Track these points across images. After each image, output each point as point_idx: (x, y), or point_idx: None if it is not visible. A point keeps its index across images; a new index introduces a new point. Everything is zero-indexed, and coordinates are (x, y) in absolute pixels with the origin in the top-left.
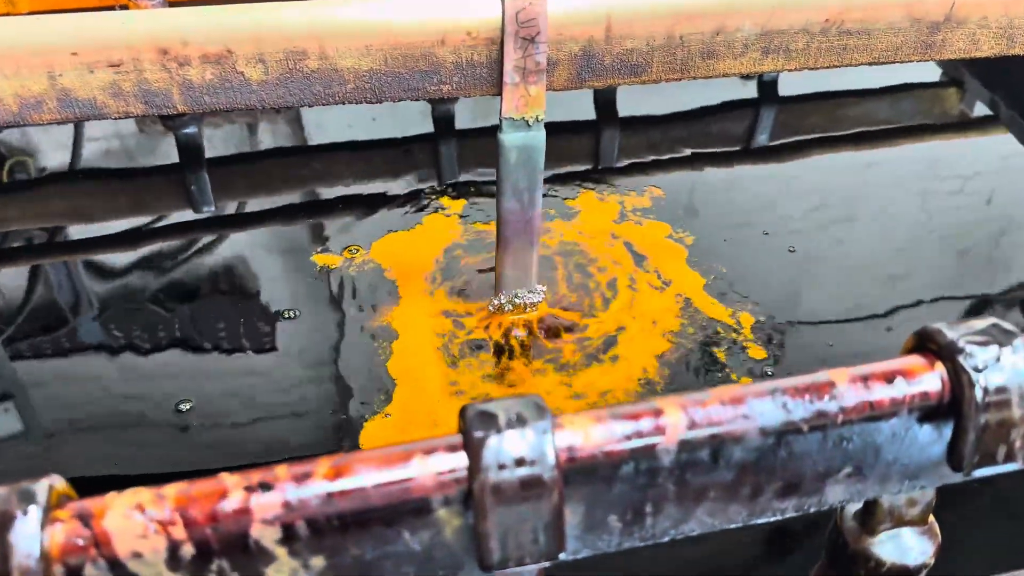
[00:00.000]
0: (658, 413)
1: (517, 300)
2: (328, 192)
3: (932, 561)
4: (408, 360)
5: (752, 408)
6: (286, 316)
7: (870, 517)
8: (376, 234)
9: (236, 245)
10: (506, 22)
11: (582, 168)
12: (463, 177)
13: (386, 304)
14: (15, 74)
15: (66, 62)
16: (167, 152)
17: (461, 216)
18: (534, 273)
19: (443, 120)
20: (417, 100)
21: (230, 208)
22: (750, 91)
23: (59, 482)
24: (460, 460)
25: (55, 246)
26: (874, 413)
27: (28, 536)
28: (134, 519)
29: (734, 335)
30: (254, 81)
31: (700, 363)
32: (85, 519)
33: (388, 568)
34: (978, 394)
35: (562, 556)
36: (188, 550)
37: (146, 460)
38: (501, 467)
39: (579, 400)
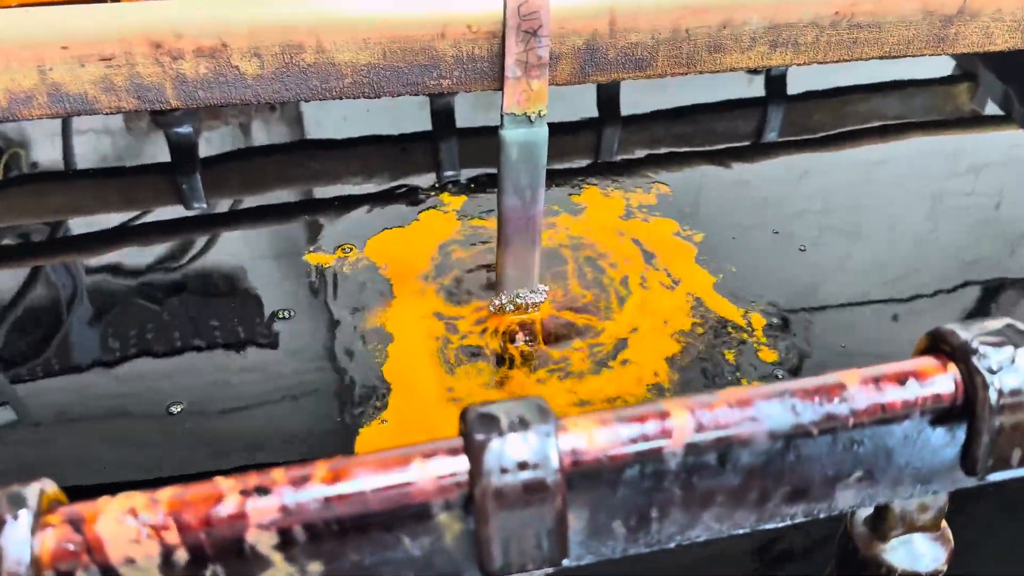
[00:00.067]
0: (664, 415)
1: (519, 300)
2: (324, 190)
3: (945, 568)
4: (404, 364)
5: (760, 410)
6: (280, 317)
7: (881, 522)
8: (371, 232)
9: (229, 244)
10: (508, 15)
11: (585, 164)
12: (463, 175)
13: (382, 305)
14: (4, 68)
15: (56, 56)
16: (159, 150)
17: (459, 212)
18: (536, 272)
19: (442, 116)
20: (416, 95)
21: (223, 206)
22: (757, 86)
23: (50, 486)
24: (461, 464)
25: (45, 245)
26: (886, 416)
27: (18, 542)
28: (127, 524)
29: (745, 335)
30: (249, 75)
31: (711, 367)
32: (76, 524)
33: (387, 574)
34: (992, 396)
35: (565, 562)
36: (182, 555)
37: (137, 463)
38: (503, 471)
39: (584, 407)
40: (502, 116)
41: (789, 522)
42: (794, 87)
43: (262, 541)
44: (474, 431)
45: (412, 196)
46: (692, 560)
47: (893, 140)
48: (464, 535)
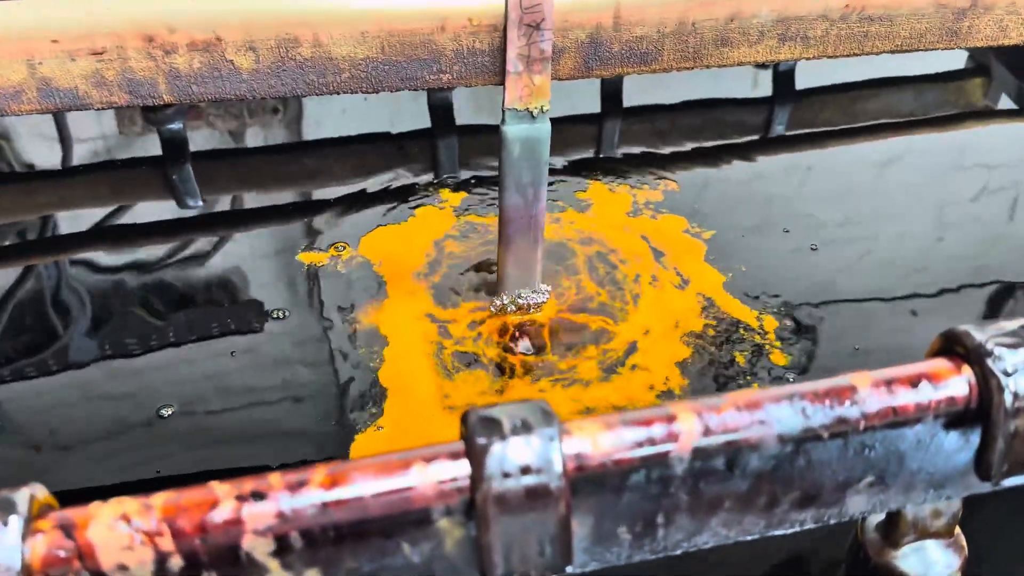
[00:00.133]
0: (671, 419)
1: (520, 301)
2: (318, 188)
3: (959, 575)
4: (401, 369)
5: (769, 414)
6: (274, 317)
7: (893, 529)
8: (367, 231)
9: (220, 242)
10: (509, 8)
11: (590, 160)
12: (463, 172)
13: (377, 306)
14: None
15: (46, 49)
16: (151, 147)
17: (458, 210)
18: (538, 272)
19: (441, 112)
20: (415, 90)
21: (216, 205)
22: (765, 81)
23: (40, 491)
24: (462, 468)
25: (32, 244)
26: (898, 419)
27: (8, 548)
28: (119, 530)
29: (757, 337)
30: (244, 70)
31: (724, 371)
32: (68, 530)
33: None
34: (1008, 399)
35: (569, 569)
36: (176, 562)
37: (127, 467)
38: (505, 475)
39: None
40: (503, 112)
41: (799, 528)
42: (803, 82)
43: (258, 548)
44: (476, 434)
45: (409, 194)
46: (695, 565)
47: (905, 136)
48: (465, 541)
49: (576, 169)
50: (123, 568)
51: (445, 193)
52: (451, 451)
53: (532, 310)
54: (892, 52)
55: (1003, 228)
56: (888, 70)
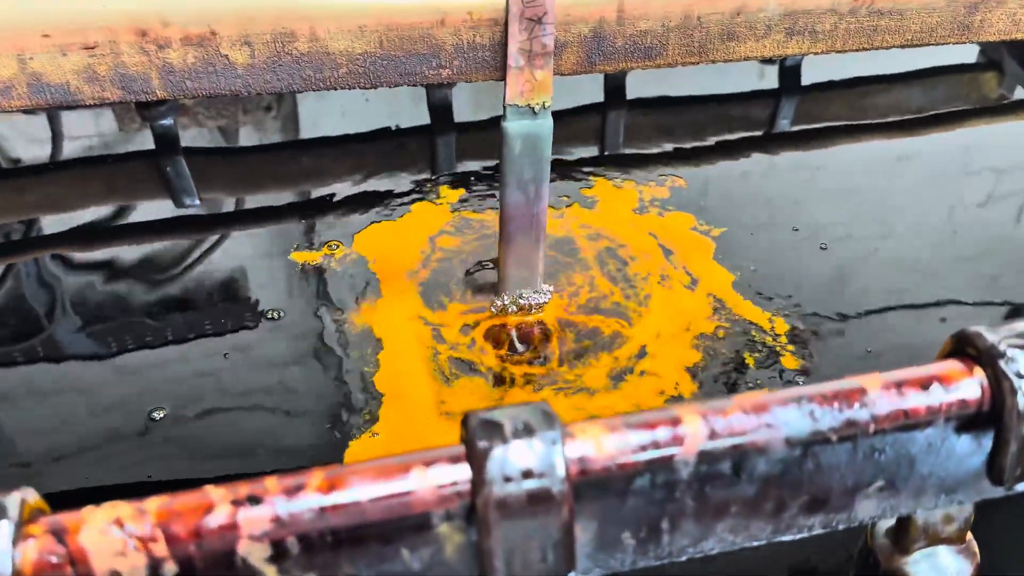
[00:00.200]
0: (676, 422)
1: (521, 301)
2: (315, 186)
3: None
4: (396, 373)
5: (777, 417)
6: (269, 317)
7: (903, 534)
8: (367, 232)
9: (214, 242)
10: (511, 1)
11: (594, 156)
12: (462, 169)
13: (372, 306)
14: None
15: (37, 44)
16: (143, 144)
17: (455, 205)
18: (540, 272)
19: (440, 108)
20: (415, 85)
21: (211, 204)
22: (771, 76)
23: (31, 495)
24: (463, 472)
25: (21, 243)
26: (908, 422)
27: None
28: (112, 535)
29: (769, 339)
30: (239, 65)
31: (735, 376)
32: (59, 535)
33: None
34: (1021, 402)
35: None
36: (170, 568)
37: (117, 471)
38: (507, 480)
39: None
40: (504, 108)
41: (807, 534)
42: (810, 77)
43: (254, 553)
44: (476, 438)
45: (407, 190)
46: (700, 571)
47: (915, 132)
48: (466, 547)
49: (579, 166)
50: (116, 574)
51: (444, 190)
52: (451, 455)
53: (534, 310)
54: (902, 47)
55: (1017, 227)
56: (899, 65)
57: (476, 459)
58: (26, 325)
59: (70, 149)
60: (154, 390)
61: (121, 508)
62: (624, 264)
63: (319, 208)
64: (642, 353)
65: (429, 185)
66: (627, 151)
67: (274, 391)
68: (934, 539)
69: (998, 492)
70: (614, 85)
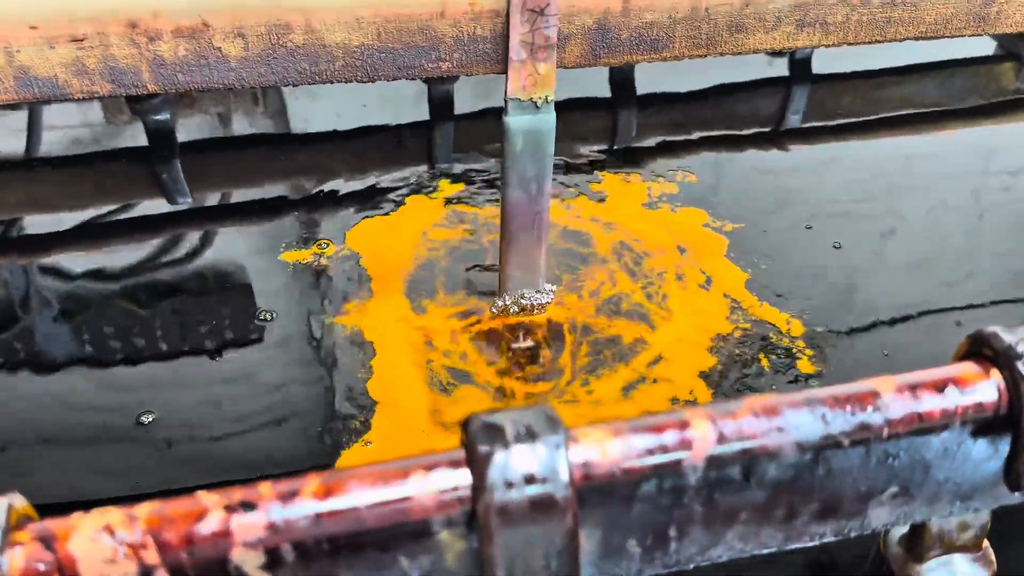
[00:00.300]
0: (684, 425)
1: (523, 301)
2: (310, 183)
3: None
4: (389, 380)
5: (788, 420)
6: (261, 319)
7: (918, 542)
8: (359, 228)
9: (205, 240)
10: None
11: (600, 152)
12: (463, 166)
13: (365, 308)
14: None
15: (24, 36)
16: (135, 140)
17: (457, 206)
18: (542, 271)
19: (440, 103)
20: (413, 79)
21: (202, 200)
22: (781, 69)
23: (19, 501)
24: (463, 477)
25: (8, 241)
26: (923, 426)
27: None
28: (102, 542)
29: (786, 341)
30: (233, 58)
31: (751, 381)
32: (48, 542)
33: None
34: None
35: None
36: None
37: (106, 476)
38: (509, 485)
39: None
40: (506, 102)
41: (818, 541)
42: (821, 69)
43: (248, 561)
44: (478, 442)
45: (404, 187)
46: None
47: (930, 126)
48: (466, 554)
49: (582, 163)
50: None
51: (444, 184)
52: (451, 459)
53: (536, 311)
54: (916, 39)
55: None
56: (913, 57)
57: (477, 464)
58: (10, 325)
59: (57, 144)
60: (143, 394)
61: (111, 514)
62: (643, 263)
63: (312, 204)
64: (657, 359)
65: (427, 179)
66: (636, 146)
67: (265, 395)
68: (949, 547)
69: (1016, 499)
70: (620, 79)
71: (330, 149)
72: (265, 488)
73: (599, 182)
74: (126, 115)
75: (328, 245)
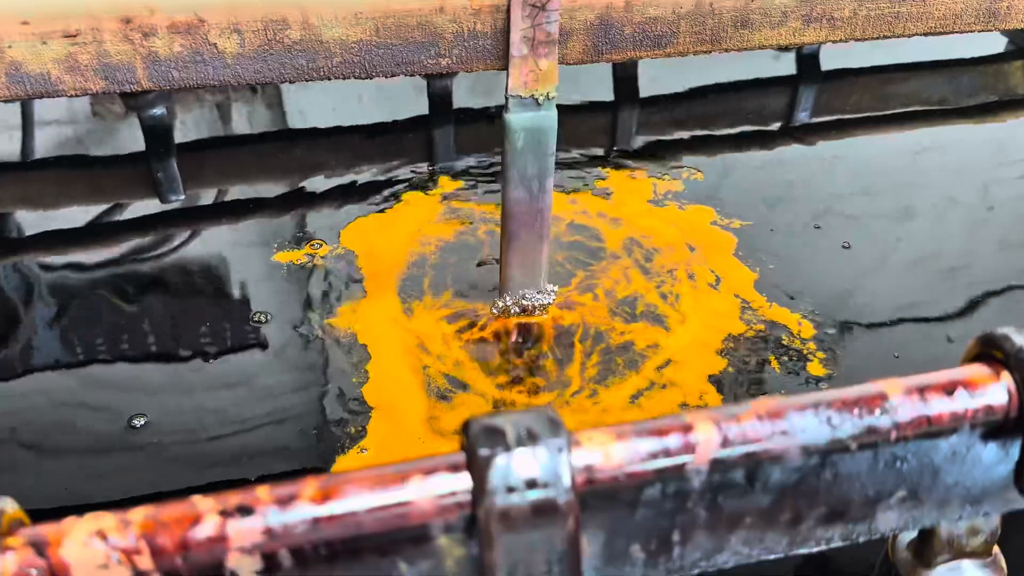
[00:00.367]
0: (687, 429)
1: (525, 302)
2: (305, 179)
3: None
4: (385, 384)
5: (793, 423)
6: (255, 320)
7: (926, 547)
8: (356, 227)
9: (197, 239)
10: None
11: (602, 150)
12: (462, 164)
13: (361, 310)
14: None
15: (15, 32)
16: (129, 137)
17: (456, 204)
18: (544, 272)
19: (439, 99)
20: (412, 75)
21: (196, 199)
22: (788, 66)
23: (10, 505)
24: (463, 481)
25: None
26: (932, 429)
27: None
28: (95, 547)
29: (797, 343)
30: (228, 54)
31: (762, 383)
32: (39, 547)
33: None
34: None
35: None
36: None
37: (96, 480)
38: (510, 490)
39: None
40: (507, 99)
41: (825, 547)
42: (828, 66)
43: (244, 566)
44: (478, 445)
45: (402, 185)
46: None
47: (939, 124)
48: (466, 560)
49: (592, 158)
50: None
51: (442, 180)
52: (451, 463)
53: (537, 312)
54: (925, 35)
55: None
56: (921, 54)
57: (477, 468)
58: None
59: (47, 141)
60: (134, 396)
61: (104, 519)
62: (650, 257)
63: (308, 202)
64: (667, 363)
65: (426, 176)
66: (641, 145)
67: (259, 399)
68: (959, 552)
69: None
70: (624, 75)
71: (327, 144)
72: (262, 492)
73: (604, 179)
74: (119, 109)
75: (321, 245)
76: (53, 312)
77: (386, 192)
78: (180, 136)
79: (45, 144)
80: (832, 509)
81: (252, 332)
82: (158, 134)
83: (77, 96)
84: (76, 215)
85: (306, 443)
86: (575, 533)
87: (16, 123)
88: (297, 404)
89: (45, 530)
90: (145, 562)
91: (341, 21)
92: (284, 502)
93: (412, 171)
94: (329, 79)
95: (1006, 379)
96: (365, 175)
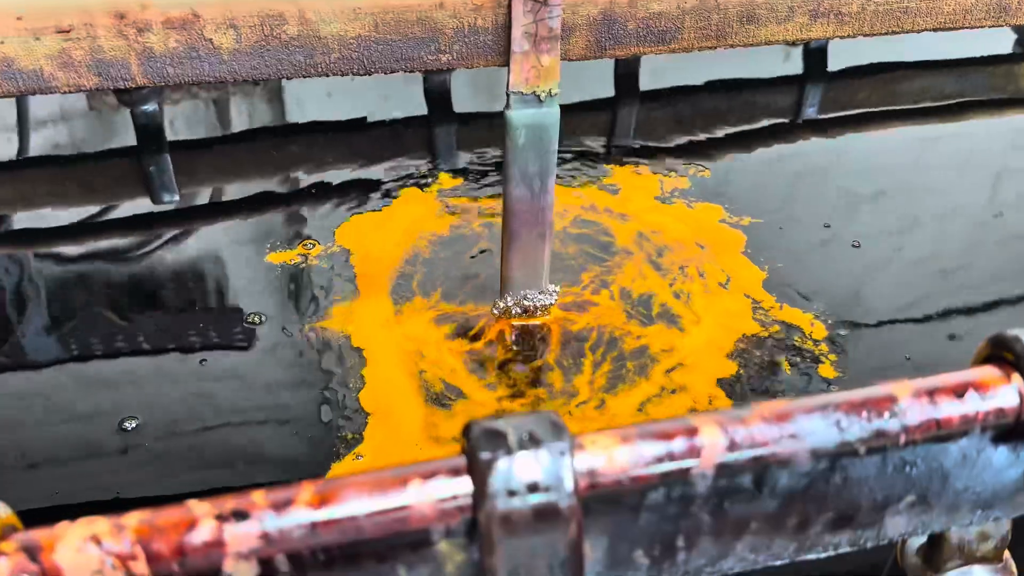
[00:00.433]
0: (692, 432)
1: (526, 303)
2: (301, 177)
3: None
4: (382, 389)
5: (801, 427)
6: (249, 321)
7: (936, 553)
8: (352, 227)
9: (191, 239)
10: None
11: (604, 148)
12: (461, 162)
13: (356, 312)
14: None
15: (8, 27)
16: (123, 134)
17: (455, 197)
18: (546, 271)
19: (438, 96)
20: (411, 72)
21: (189, 198)
22: (795, 62)
23: (3, 509)
24: (464, 485)
25: None
26: (941, 432)
27: None
28: (89, 552)
29: (810, 344)
30: (224, 50)
31: (772, 387)
32: (33, 552)
33: None
34: None
35: None
36: None
37: (88, 484)
38: (511, 494)
39: None
40: (508, 95)
41: (832, 552)
42: (835, 63)
43: (241, 572)
44: (479, 449)
45: (401, 183)
46: None
47: (949, 122)
48: (467, 566)
49: (595, 155)
50: None
51: (444, 176)
52: (451, 467)
53: (539, 313)
54: (934, 31)
55: None
56: (930, 51)
57: (478, 471)
58: None
59: (39, 139)
60: (125, 399)
61: (98, 524)
62: (662, 253)
63: (302, 200)
64: (677, 366)
65: (425, 172)
66: (648, 140)
67: (252, 402)
68: (969, 558)
69: None
70: (627, 72)
71: (323, 141)
72: (258, 497)
73: (610, 175)
74: (114, 101)
75: (314, 245)
76: (44, 312)
77: (389, 193)
78: (171, 134)
79: (38, 142)
80: (840, 514)
81: (248, 334)
82: (151, 131)
83: (70, 92)
84: (68, 214)
85: (300, 449)
86: (577, 538)
87: (11, 122)
88: (291, 409)
89: (38, 535)
90: (140, 567)
91: (339, 16)
92: (281, 507)
93: (414, 167)
94: (327, 75)
95: (1017, 381)
96: (362, 172)
